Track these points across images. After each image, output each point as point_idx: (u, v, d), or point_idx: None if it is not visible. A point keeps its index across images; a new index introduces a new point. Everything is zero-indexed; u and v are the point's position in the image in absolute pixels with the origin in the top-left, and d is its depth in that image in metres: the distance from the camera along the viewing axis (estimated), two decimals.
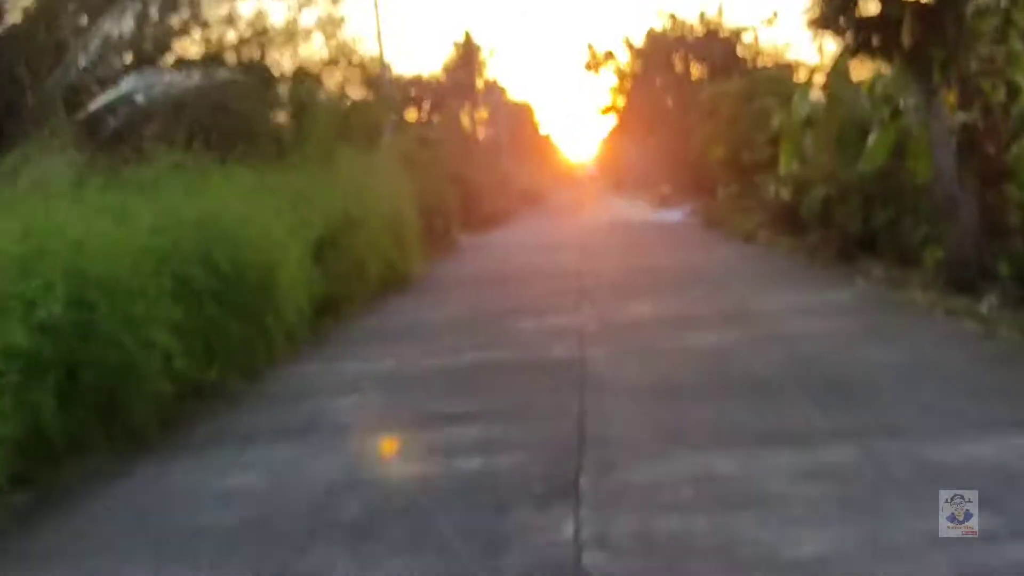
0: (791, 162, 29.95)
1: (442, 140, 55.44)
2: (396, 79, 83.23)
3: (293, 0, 26.24)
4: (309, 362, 14.79)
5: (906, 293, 16.62)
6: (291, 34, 26.53)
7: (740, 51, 58.65)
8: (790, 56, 56.67)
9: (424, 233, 30.56)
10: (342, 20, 27.47)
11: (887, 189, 21.47)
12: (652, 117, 60.96)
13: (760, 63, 56.32)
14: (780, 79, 35.00)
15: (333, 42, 27.98)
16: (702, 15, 58.88)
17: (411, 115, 77.41)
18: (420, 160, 35.21)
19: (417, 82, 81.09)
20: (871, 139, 21.78)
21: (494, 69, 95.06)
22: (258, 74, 24.95)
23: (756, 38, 58.50)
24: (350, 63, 30.60)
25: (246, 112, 22.77)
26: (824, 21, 17.85)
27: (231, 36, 24.75)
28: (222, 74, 22.04)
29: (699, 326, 15.04)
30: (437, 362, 13.98)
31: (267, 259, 14.30)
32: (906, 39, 16.41)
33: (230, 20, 24.93)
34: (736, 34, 58.57)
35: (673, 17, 59.14)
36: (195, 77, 20.57)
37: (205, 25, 24.14)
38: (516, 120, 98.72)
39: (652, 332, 14.93)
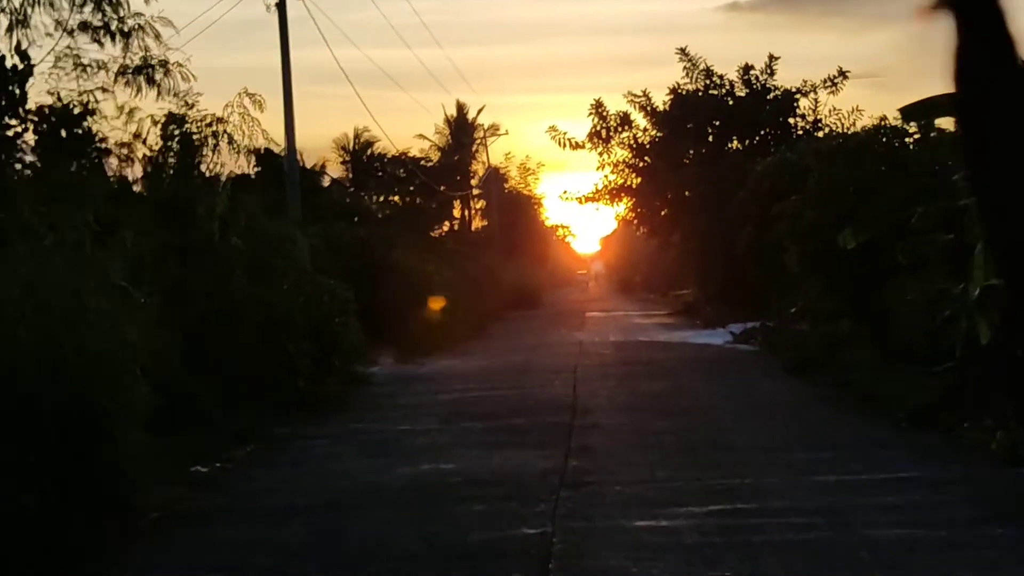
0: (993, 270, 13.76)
1: (390, 219, 39.12)
2: (376, 155, 67.56)
3: None
4: None
5: None
6: None
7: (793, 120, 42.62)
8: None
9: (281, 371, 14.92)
10: None
11: None
12: (677, 201, 44.37)
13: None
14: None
15: None
16: (745, 69, 42.53)
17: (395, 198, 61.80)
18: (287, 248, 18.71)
19: (402, 160, 65.08)
20: None
21: (496, 151, 78.97)
22: None
23: (815, 103, 42.26)
24: None
25: None
26: None
27: None
28: None
29: None
30: None
31: None
32: None
33: None
34: (789, 97, 42.31)
35: (709, 72, 42.70)
36: None
37: None
38: (516, 210, 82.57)
39: None
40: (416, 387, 20.78)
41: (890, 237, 17.32)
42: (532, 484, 10.98)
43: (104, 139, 17.31)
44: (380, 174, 66.71)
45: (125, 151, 16.42)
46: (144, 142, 16.51)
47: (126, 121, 16.35)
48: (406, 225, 38.86)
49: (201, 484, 12.00)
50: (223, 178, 19.31)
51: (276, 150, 28.25)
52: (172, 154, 18.83)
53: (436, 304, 29.00)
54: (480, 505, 10.11)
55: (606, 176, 45.00)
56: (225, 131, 17.97)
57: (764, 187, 30.95)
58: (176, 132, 18.94)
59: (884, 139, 23.58)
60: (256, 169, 36.05)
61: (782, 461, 11.78)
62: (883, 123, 24.34)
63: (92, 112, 17.02)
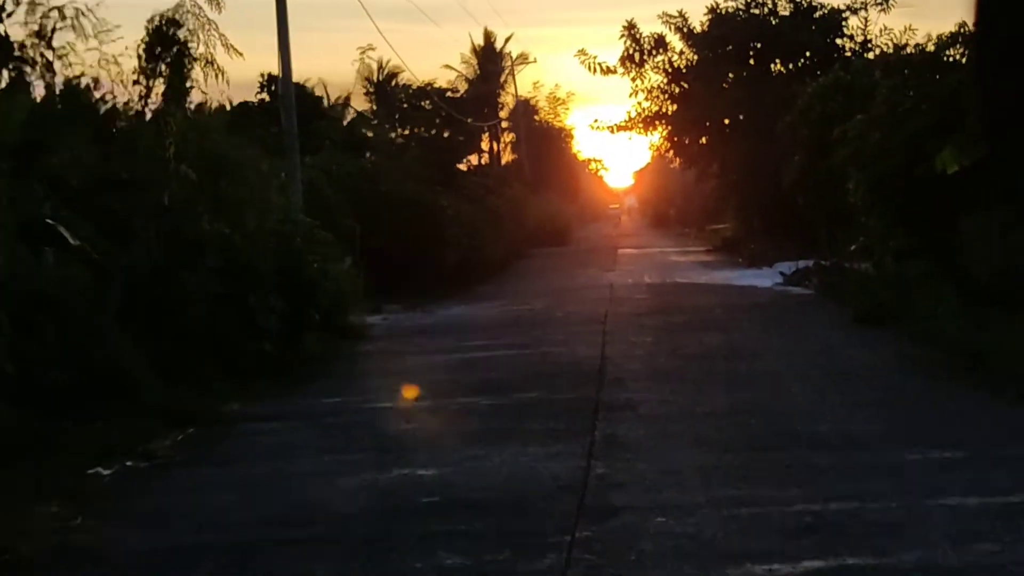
0: None
1: (405, 150, 35.57)
2: (400, 86, 63.92)
3: None
4: None
5: None
6: None
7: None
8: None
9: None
10: None
11: None
12: (715, 129, 40.58)
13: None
14: None
15: None
16: None
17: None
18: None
19: (428, 91, 61.46)
20: None
21: (525, 82, 75.17)
22: None
23: (865, 21, 38.40)
24: None
25: None
26: None
27: None
28: None
29: None
30: None
31: None
32: None
33: None
34: (836, 15, 38.49)
35: None
36: None
37: None
38: (546, 142, 78.85)
39: None
40: (416, 343, 17.33)
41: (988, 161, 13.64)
42: (537, 509, 7.52)
43: (24, 45, 13.81)
44: (405, 106, 63.13)
45: (38, 56, 12.87)
46: (49, 43, 12.93)
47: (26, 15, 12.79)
48: (426, 157, 35.14)
49: (89, 499, 8.60)
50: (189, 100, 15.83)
51: (243, 66, 24.48)
52: (160, 78, 15.41)
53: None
54: (456, 556, 6.63)
55: (639, 103, 41.17)
56: (175, 34, 14.41)
57: (815, 111, 27.32)
58: (167, 56, 15.47)
59: (964, 49, 19.86)
60: (260, 97, 32.57)
61: (889, 466, 8.27)
62: (962, 30, 20.57)
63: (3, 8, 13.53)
